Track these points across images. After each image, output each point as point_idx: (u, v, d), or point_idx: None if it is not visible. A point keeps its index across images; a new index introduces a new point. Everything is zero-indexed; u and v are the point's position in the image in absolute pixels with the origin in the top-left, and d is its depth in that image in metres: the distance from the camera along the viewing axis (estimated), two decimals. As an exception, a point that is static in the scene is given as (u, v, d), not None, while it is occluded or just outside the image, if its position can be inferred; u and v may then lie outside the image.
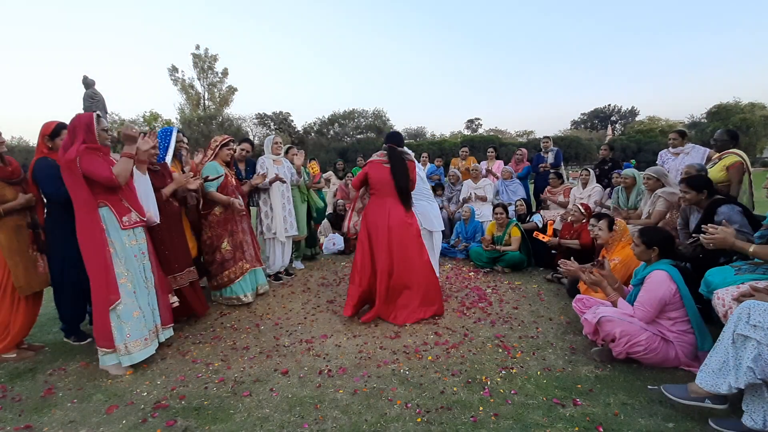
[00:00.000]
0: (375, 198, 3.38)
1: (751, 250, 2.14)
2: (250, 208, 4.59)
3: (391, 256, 3.23)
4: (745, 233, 2.51)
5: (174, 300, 2.95)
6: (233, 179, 3.73)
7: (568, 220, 4.47)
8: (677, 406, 1.96)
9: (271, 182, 4.28)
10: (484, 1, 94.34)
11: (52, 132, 2.78)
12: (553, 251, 4.57)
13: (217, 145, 3.66)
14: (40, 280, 2.79)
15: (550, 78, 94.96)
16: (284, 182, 4.39)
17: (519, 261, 4.59)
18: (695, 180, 2.98)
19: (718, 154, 3.84)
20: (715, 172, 3.64)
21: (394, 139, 3.48)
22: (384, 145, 3.44)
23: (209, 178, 3.53)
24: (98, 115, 2.55)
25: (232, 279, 3.63)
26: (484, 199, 5.94)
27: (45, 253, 2.83)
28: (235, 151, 3.95)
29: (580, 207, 4.31)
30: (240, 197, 3.79)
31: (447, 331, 3.04)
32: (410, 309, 3.23)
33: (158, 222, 2.89)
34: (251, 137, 35.29)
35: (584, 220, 4.27)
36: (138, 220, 2.64)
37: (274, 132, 34.21)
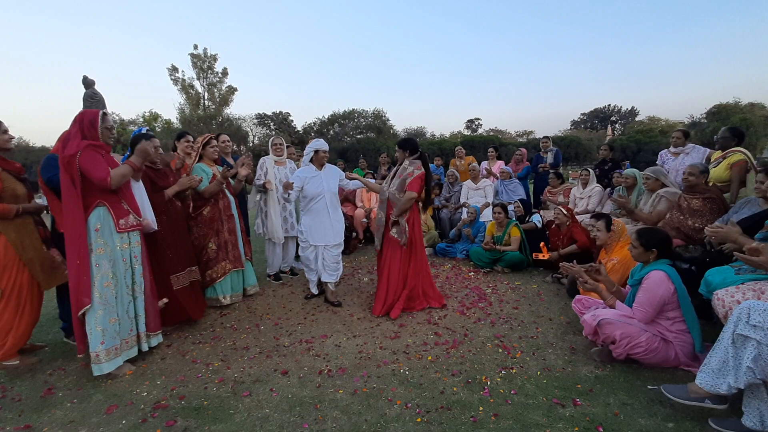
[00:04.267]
0: (415, 206, 3.55)
1: (745, 246, 2.14)
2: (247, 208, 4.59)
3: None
4: None
5: (162, 301, 2.94)
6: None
7: (554, 224, 4.47)
8: (677, 406, 1.96)
9: (265, 186, 4.25)
10: (484, 1, 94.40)
11: None
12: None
13: (198, 146, 3.64)
14: (61, 274, 2.76)
15: (550, 78, 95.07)
16: (268, 189, 4.24)
17: (519, 261, 4.59)
18: None
19: (721, 153, 3.82)
20: (720, 172, 3.63)
21: (417, 145, 3.59)
22: (418, 152, 3.52)
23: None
24: (104, 113, 2.55)
25: (214, 279, 3.61)
26: (486, 206, 5.91)
27: (50, 248, 2.82)
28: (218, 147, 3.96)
29: (563, 210, 4.32)
30: (231, 196, 3.78)
31: (447, 331, 3.04)
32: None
33: (156, 229, 2.89)
34: (251, 137, 35.33)
35: (568, 222, 4.28)
36: (135, 223, 2.62)
37: (274, 132, 34.21)
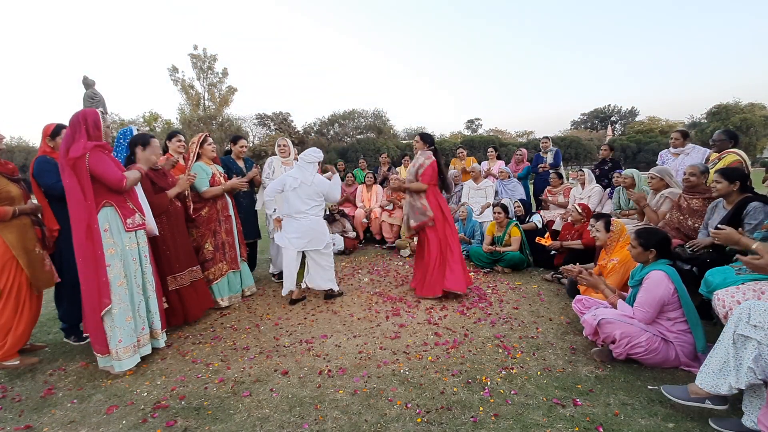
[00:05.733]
0: (434, 188, 3.87)
1: (754, 246, 2.16)
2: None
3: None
4: None
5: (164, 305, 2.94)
6: (221, 177, 3.69)
7: (568, 221, 4.47)
8: (677, 406, 1.96)
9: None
10: (483, 1, 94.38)
11: (53, 132, 2.81)
12: (553, 252, 4.56)
13: (195, 146, 3.60)
14: (46, 278, 2.77)
15: (550, 78, 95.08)
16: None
17: (519, 261, 4.59)
18: (730, 171, 2.88)
19: (717, 155, 3.84)
20: None
21: (434, 140, 4.03)
22: (433, 145, 3.93)
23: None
24: (102, 112, 2.56)
25: (210, 280, 3.59)
26: (486, 206, 5.92)
27: (49, 251, 2.82)
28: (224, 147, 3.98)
29: (578, 207, 4.31)
30: (228, 197, 3.78)
31: (447, 331, 3.04)
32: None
33: (157, 234, 2.90)
34: (251, 137, 35.33)
35: (584, 221, 4.27)
36: (141, 222, 2.63)
37: (275, 132, 34.21)
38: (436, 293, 3.71)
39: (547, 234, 4.39)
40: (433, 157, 3.80)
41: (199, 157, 3.64)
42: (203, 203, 3.57)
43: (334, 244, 5.87)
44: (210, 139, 3.72)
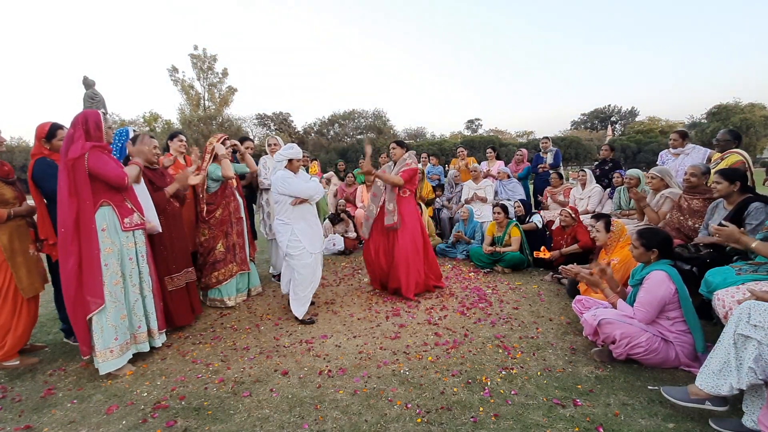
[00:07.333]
0: (411, 196, 3.94)
1: (753, 245, 2.16)
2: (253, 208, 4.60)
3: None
4: None
5: None
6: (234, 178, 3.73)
7: (560, 225, 4.46)
8: (677, 407, 1.95)
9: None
10: (484, 1, 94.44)
11: (48, 134, 2.74)
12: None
13: (213, 147, 3.59)
14: (42, 280, 2.77)
15: (550, 78, 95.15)
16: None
17: (519, 261, 4.59)
18: (730, 171, 2.88)
19: (720, 155, 3.84)
20: None
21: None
22: (411, 150, 3.99)
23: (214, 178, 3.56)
24: (103, 113, 2.57)
25: (220, 281, 3.62)
26: (484, 200, 5.93)
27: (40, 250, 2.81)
28: (236, 146, 3.97)
29: (570, 211, 4.31)
30: (240, 198, 3.79)
31: (447, 331, 3.04)
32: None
33: (160, 231, 2.89)
34: (251, 137, 35.37)
35: (574, 223, 4.28)
36: (139, 222, 2.63)
37: (274, 132, 34.20)
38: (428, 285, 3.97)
39: (543, 248, 4.36)
40: (418, 164, 3.96)
41: (215, 158, 3.61)
42: (217, 204, 3.58)
43: (334, 244, 5.90)
44: (228, 142, 3.72)
